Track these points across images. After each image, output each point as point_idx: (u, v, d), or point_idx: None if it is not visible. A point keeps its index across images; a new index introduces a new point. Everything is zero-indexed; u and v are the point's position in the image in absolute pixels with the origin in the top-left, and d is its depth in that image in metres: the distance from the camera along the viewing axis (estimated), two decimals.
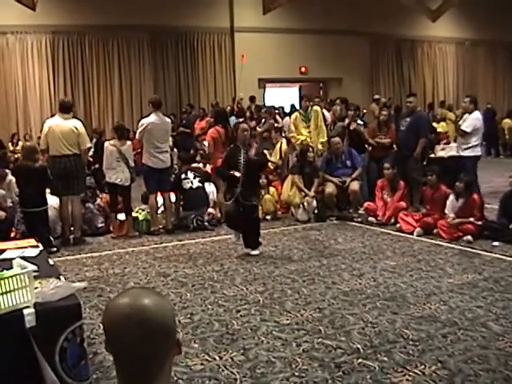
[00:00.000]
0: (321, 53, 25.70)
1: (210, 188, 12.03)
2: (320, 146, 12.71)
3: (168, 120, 11.67)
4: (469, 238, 9.75)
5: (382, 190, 11.62)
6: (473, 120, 12.04)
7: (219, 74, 24.77)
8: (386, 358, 5.35)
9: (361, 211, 12.13)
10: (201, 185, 11.62)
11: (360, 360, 5.33)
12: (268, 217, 12.00)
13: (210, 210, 11.89)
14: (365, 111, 19.49)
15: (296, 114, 13.08)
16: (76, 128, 10.55)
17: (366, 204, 11.86)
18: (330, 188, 11.74)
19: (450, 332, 5.95)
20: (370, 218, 11.54)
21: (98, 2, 21.55)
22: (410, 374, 5.05)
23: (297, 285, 7.63)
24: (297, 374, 5.09)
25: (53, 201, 10.50)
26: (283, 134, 14.42)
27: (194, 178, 11.58)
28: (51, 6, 21.41)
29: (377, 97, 23.00)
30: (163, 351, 1.95)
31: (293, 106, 21.93)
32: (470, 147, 11.95)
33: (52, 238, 10.08)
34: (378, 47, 28.09)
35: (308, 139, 12.65)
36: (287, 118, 16.08)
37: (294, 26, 25.24)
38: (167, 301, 2.04)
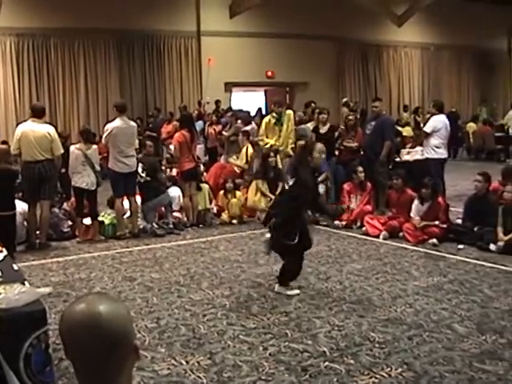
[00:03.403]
0: (287, 57, 25.72)
1: (176, 192, 11.99)
2: (290, 151, 12.69)
3: (133, 124, 11.63)
4: (434, 241, 9.85)
5: (350, 194, 11.67)
6: (433, 121, 12.25)
7: (186, 78, 24.68)
8: (352, 361, 5.40)
9: None
10: (148, 178, 11.45)
11: (326, 363, 5.37)
12: (234, 221, 11.99)
13: (177, 214, 11.86)
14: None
15: (269, 117, 13.02)
16: (49, 134, 10.46)
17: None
18: None
19: (415, 334, 6.02)
20: (336, 222, 11.57)
21: (63, 4, 21.33)
22: (377, 376, 5.10)
23: (263, 288, 7.66)
24: (263, 377, 5.11)
25: (19, 206, 10.39)
26: (250, 138, 14.38)
27: (142, 172, 11.44)
28: (16, 8, 21.16)
29: (345, 100, 23.09)
30: (120, 357, 1.93)
31: (260, 110, 21.96)
32: (432, 149, 12.09)
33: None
34: (345, 51, 28.18)
35: (277, 143, 12.63)
36: (253, 123, 16.07)
37: (261, 30, 25.24)
38: (123, 306, 2.02)
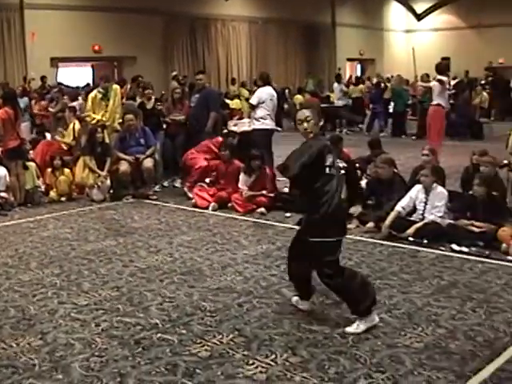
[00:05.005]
0: (115, 31, 25.36)
1: (1, 172, 11.58)
2: (118, 126, 12.58)
3: None
4: (262, 210, 10.11)
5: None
6: (258, 93, 12.51)
7: (9, 53, 23.73)
8: (184, 331, 5.51)
9: (156, 188, 12.26)
10: None
11: (159, 335, 5.45)
12: (63, 198, 11.73)
13: (3, 194, 11.48)
14: (163, 92, 19.47)
15: (95, 92, 12.83)
16: None
17: None
18: (123, 166, 11.62)
19: (245, 301, 6.21)
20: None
21: None
22: (209, 344, 5.24)
23: (94, 265, 7.60)
24: (97, 353, 5.12)
25: None
26: (77, 114, 14.11)
27: None
28: None
29: (174, 73, 23.16)
30: None
31: (88, 85, 21.62)
32: (257, 119, 12.35)
33: None
34: (172, 25, 28.06)
35: (104, 118, 12.49)
36: (80, 98, 15.79)
37: (87, 3, 24.72)
38: None
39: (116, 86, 13.09)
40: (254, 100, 12.50)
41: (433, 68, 14.42)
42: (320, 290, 6.32)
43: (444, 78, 13.89)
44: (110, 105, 12.50)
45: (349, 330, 5.43)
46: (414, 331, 5.43)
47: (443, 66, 14.51)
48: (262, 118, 12.25)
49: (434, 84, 14.26)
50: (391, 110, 22.46)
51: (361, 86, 25.07)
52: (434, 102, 13.92)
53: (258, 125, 12.33)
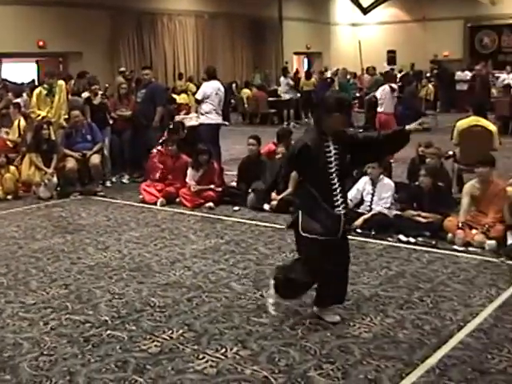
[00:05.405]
0: (60, 26, 24.96)
1: None
2: (63, 122, 12.45)
3: None
4: (210, 204, 10.11)
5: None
6: (203, 87, 12.55)
7: None
8: (134, 327, 5.50)
9: (108, 184, 12.26)
10: None
11: (109, 332, 5.43)
12: (9, 197, 11.56)
13: None
14: (107, 85, 19.35)
15: (40, 89, 12.66)
16: None
17: None
18: (70, 163, 11.50)
19: (195, 296, 6.22)
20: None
21: None
22: (159, 339, 5.23)
23: (41, 263, 7.52)
24: (46, 352, 5.08)
25: None
26: (22, 110, 13.92)
27: None
28: None
29: (122, 69, 23.00)
30: None
31: (33, 81, 21.35)
32: (203, 114, 12.36)
33: None
34: (118, 20, 27.73)
35: (49, 115, 12.34)
36: (25, 95, 15.57)
37: None
38: None
39: (61, 82, 12.92)
40: (199, 95, 12.51)
41: (379, 61, 14.72)
42: (268, 283, 6.35)
43: (394, 86, 14.31)
44: (56, 101, 12.35)
45: (337, 319, 5.56)
46: (362, 321, 5.50)
47: (391, 75, 14.84)
48: (207, 112, 12.27)
49: (385, 93, 14.57)
50: None
51: (312, 79, 25.17)
52: (386, 111, 14.37)
53: (203, 119, 12.36)
